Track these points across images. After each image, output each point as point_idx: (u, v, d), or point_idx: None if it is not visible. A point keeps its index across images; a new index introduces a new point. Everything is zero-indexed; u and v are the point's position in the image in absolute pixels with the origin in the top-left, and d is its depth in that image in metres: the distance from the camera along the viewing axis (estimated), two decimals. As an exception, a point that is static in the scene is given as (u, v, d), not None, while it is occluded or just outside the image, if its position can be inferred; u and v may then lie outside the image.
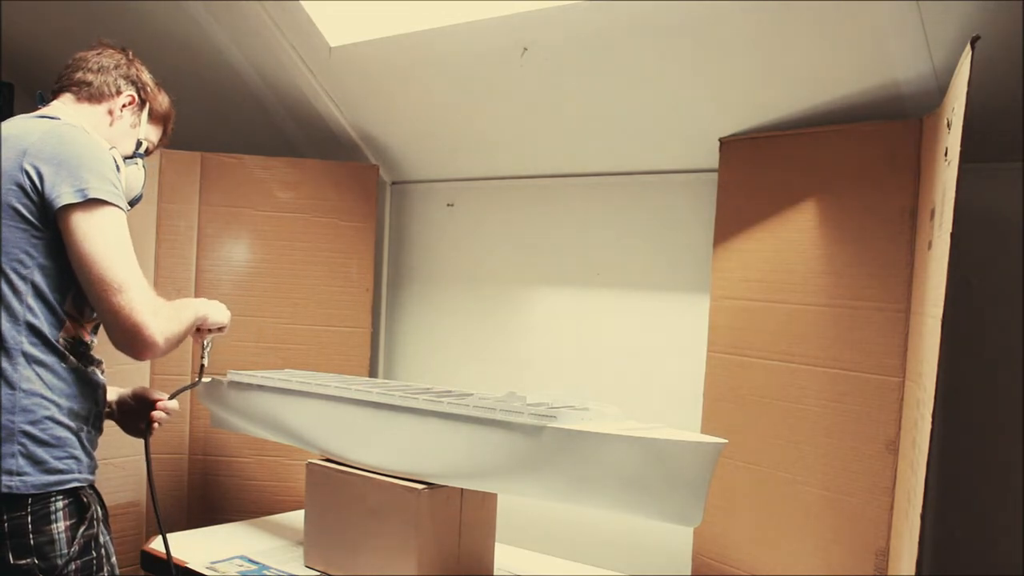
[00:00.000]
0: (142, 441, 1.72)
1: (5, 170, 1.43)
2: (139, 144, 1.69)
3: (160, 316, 1.42)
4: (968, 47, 1.22)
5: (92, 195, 1.40)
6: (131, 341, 1.40)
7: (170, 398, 1.75)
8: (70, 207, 1.40)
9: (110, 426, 1.64)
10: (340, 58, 2.30)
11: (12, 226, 1.42)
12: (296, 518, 2.20)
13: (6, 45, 2.71)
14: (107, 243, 1.40)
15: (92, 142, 1.49)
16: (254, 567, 1.89)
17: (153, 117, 1.71)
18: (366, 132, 2.57)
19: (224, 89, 2.57)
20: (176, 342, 1.50)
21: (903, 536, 1.42)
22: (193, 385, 1.99)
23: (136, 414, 1.72)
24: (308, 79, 2.42)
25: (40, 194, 1.41)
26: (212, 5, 2.32)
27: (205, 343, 1.82)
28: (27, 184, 1.42)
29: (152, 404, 1.72)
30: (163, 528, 1.73)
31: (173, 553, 1.92)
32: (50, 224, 1.42)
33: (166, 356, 2.29)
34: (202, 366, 1.88)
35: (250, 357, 2.40)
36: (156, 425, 1.71)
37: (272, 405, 1.98)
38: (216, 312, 1.75)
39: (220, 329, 1.79)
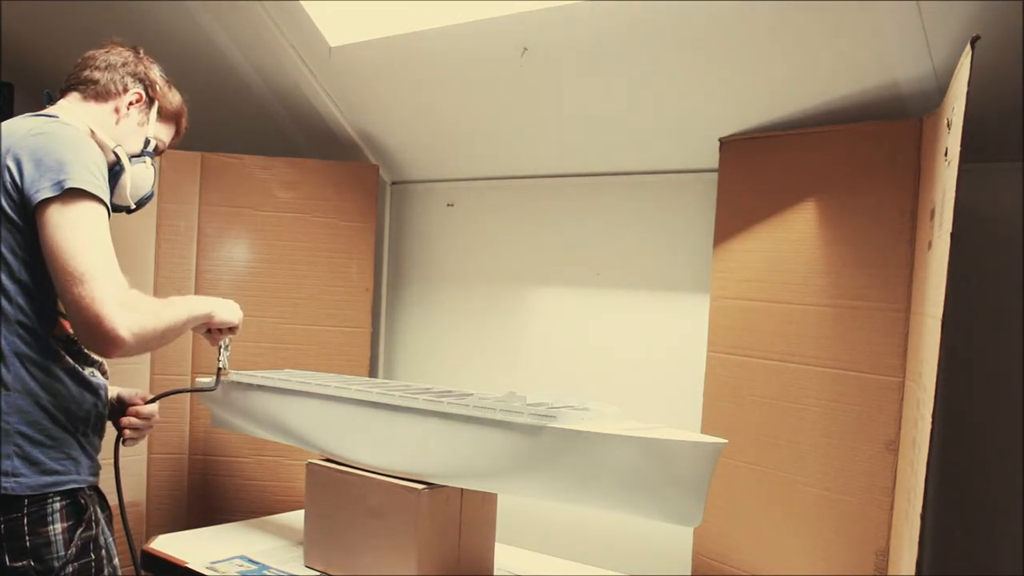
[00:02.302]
0: (144, 442, 1.70)
1: None
2: (147, 142, 1.65)
3: (131, 309, 1.33)
4: (968, 47, 1.22)
5: (70, 184, 1.35)
6: (92, 335, 1.32)
7: (150, 401, 1.70)
8: (47, 201, 1.35)
9: (108, 426, 1.63)
10: (340, 58, 2.30)
11: None
12: (296, 518, 2.20)
13: (6, 45, 2.71)
14: (76, 233, 1.34)
15: (77, 138, 1.44)
16: (254, 567, 1.89)
17: (163, 115, 1.68)
18: (366, 132, 2.57)
19: (224, 89, 2.57)
20: (154, 340, 1.42)
21: (903, 536, 1.42)
22: (195, 390, 1.97)
23: (117, 416, 1.68)
24: (308, 79, 2.42)
25: (20, 190, 1.38)
26: (212, 5, 2.32)
27: (222, 344, 1.76)
28: (8, 180, 1.39)
29: (128, 408, 1.67)
30: (131, 539, 1.72)
31: (173, 553, 1.93)
32: (30, 220, 1.38)
33: (166, 356, 2.32)
34: (219, 369, 1.82)
35: (250, 357, 2.39)
36: (127, 432, 1.66)
37: (272, 405, 1.98)
38: (223, 311, 1.68)
39: (232, 329, 1.73)
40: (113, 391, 1.69)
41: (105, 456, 1.57)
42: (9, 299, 1.40)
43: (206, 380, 2.04)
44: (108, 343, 1.32)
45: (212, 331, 1.71)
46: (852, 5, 1.57)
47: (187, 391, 1.94)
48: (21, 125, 1.47)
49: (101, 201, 1.39)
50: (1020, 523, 1.69)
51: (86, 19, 2.44)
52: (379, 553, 1.77)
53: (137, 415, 1.66)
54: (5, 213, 1.39)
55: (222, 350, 1.78)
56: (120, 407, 1.68)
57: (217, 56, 2.47)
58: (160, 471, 2.41)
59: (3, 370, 1.39)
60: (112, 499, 1.59)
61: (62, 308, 1.44)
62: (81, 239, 1.34)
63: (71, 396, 1.45)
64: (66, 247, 1.33)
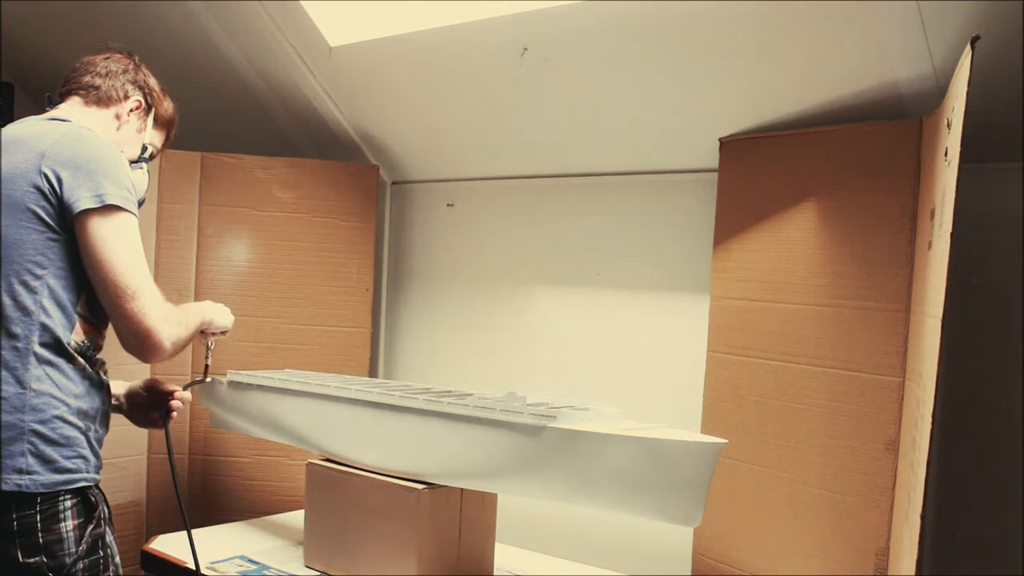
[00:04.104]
0: (143, 440, 1.74)
1: (21, 172, 1.45)
2: (144, 148, 1.71)
3: (169, 322, 1.47)
4: (968, 47, 1.22)
5: (109, 201, 1.43)
6: (141, 345, 1.45)
7: (183, 389, 1.81)
8: (88, 212, 1.42)
9: (112, 425, 1.64)
10: (340, 58, 2.30)
11: (29, 228, 1.44)
12: (296, 518, 2.20)
13: (6, 45, 2.71)
14: (122, 249, 1.44)
15: (108, 147, 1.51)
16: (254, 567, 1.89)
17: (158, 122, 1.74)
18: (366, 132, 2.57)
19: (224, 89, 2.57)
20: (182, 346, 1.55)
21: (903, 536, 1.42)
22: (201, 381, 2.01)
23: (149, 406, 1.77)
24: (308, 79, 2.42)
25: (59, 197, 1.44)
26: (212, 5, 2.32)
27: (209, 344, 1.87)
28: (45, 187, 1.44)
29: (166, 394, 1.77)
30: (186, 518, 1.75)
31: (173, 554, 1.93)
32: (67, 227, 1.45)
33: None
34: (206, 366, 1.94)
35: (250, 357, 2.39)
36: (174, 415, 1.77)
37: (272, 405, 1.98)
38: (220, 316, 1.80)
39: (224, 332, 1.84)
40: (134, 383, 1.79)
41: (107, 456, 1.58)
42: (35, 299, 1.44)
43: (209, 380, 2.05)
44: (154, 352, 1.47)
45: (205, 333, 1.81)
46: (852, 5, 1.57)
47: (194, 383, 2.00)
48: (49, 130, 1.51)
49: (135, 215, 1.49)
50: (1020, 523, 1.69)
51: (86, 19, 2.45)
52: (379, 553, 1.77)
53: (182, 399, 1.79)
54: (40, 218, 1.44)
55: (209, 349, 1.90)
56: (153, 395, 1.77)
57: (217, 56, 2.47)
58: (160, 471, 2.41)
59: (20, 368, 1.42)
60: (113, 499, 1.59)
61: (80, 311, 1.49)
62: (128, 255, 1.45)
63: (84, 395, 1.49)
64: (116, 262, 1.43)
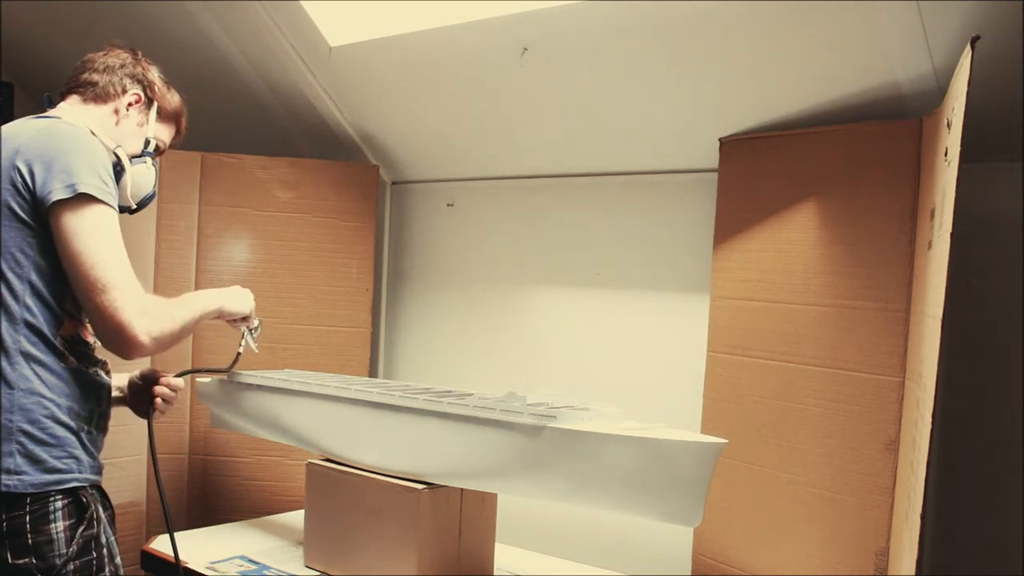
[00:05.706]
0: (143, 440, 1.73)
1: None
2: (147, 143, 1.68)
3: (147, 316, 1.41)
4: (968, 47, 1.22)
5: (81, 190, 1.39)
6: (116, 341, 1.40)
7: (177, 376, 1.77)
8: (60, 203, 1.39)
9: (111, 424, 1.63)
10: (340, 58, 2.30)
11: (7, 225, 1.42)
12: (296, 518, 2.20)
13: (6, 45, 2.71)
14: (96, 241, 1.40)
15: (84, 138, 1.47)
16: (254, 567, 1.89)
17: (163, 116, 1.71)
18: (366, 132, 2.57)
19: (224, 89, 2.57)
20: (170, 340, 1.48)
21: (903, 536, 1.42)
22: (224, 371, 1.99)
23: (143, 394, 1.74)
24: (308, 79, 2.42)
25: (32, 192, 1.41)
26: (212, 5, 2.32)
27: (243, 331, 1.83)
28: (19, 182, 1.41)
29: (156, 382, 1.73)
30: (169, 518, 1.72)
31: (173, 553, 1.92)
32: (43, 222, 1.41)
33: (166, 354, 2.32)
34: (237, 353, 1.91)
35: (250, 357, 2.39)
36: (159, 401, 1.72)
37: (272, 405, 1.98)
38: (232, 301, 1.75)
39: (245, 319, 1.80)
40: (133, 373, 1.75)
41: (107, 456, 1.57)
42: (16, 298, 1.42)
43: (207, 377, 2.05)
44: (130, 348, 1.40)
45: (230, 322, 1.79)
46: (852, 5, 1.57)
47: (205, 371, 2.01)
48: (27, 126, 1.49)
49: (111, 206, 1.44)
50: (1020, 523, 1.69)
51: (86, 19, 2.45)
52: (379, 553, 1.77)
53: (169, 386, 1.73)
54: (16, 214, 1.42)
55: (245, 334, 1.85)
56: (146, 383, 1.74)
57: (217, 56, 2.47)
58: (160, 471, 2.40)
59: (8, 368, 1.41)
60: (113, 499, 1.59)
61: (68, 308, 1.46)
62: (100, 248, 1.40)
63: (75, 395, 1.47)
64: (87, 256, 1.39)
